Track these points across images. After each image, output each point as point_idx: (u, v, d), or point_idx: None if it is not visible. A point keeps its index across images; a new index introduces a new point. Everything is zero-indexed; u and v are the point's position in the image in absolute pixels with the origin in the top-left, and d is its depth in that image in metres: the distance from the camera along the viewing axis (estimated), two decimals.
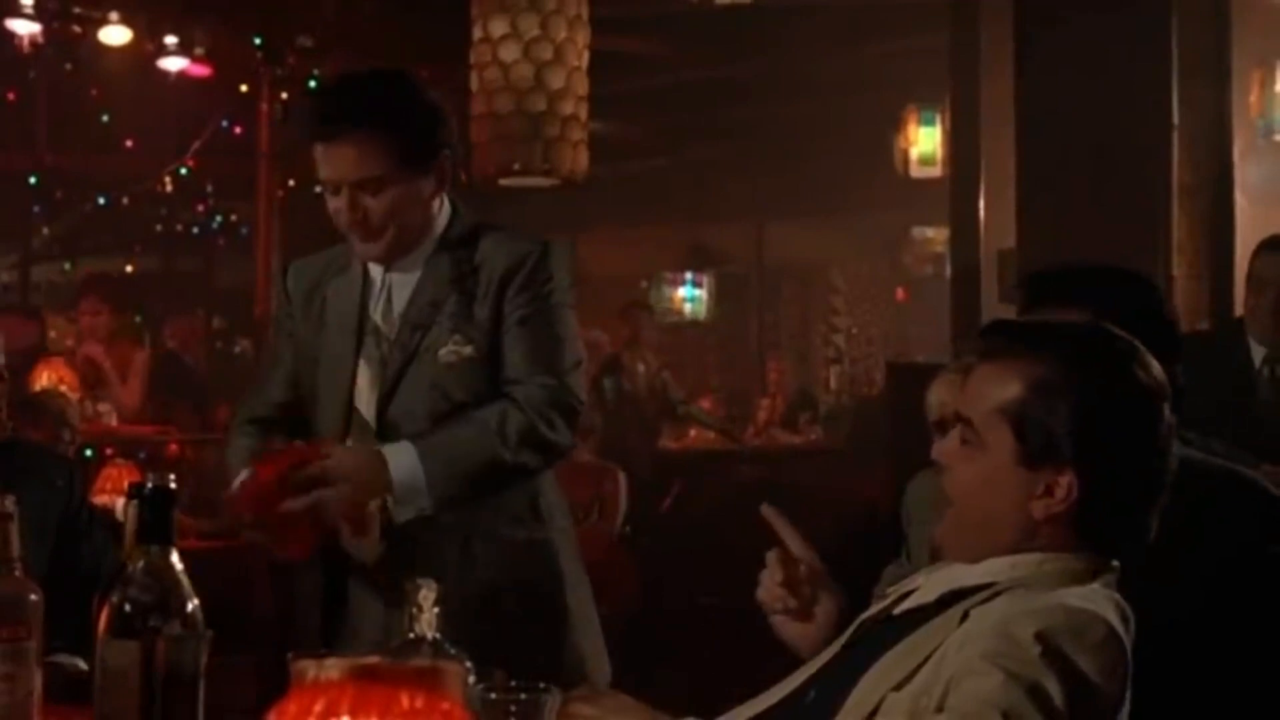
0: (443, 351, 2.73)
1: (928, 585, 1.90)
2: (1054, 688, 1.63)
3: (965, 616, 1.78)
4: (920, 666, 1.75)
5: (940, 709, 1.68)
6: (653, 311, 10.43)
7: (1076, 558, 1.82)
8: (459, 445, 2.68)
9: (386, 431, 2.74)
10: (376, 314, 2.81)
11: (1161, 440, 1.83)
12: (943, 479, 1.91)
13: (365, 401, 2.78)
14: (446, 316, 2.75)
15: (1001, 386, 1.84)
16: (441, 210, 2.81)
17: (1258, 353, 4.73)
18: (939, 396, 3.32)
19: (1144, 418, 1.82)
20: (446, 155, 2.76)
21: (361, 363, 2.80)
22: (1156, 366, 1.85)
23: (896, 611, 1.90)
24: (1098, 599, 1.77)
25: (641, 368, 9.40)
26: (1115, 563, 1.84)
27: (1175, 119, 5.58)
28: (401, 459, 2.64)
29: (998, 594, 1.79)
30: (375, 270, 2.83)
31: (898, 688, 1.76)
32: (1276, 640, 2.22)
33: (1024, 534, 1.83)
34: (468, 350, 2.74)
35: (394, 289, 2.81)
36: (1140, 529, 1.85)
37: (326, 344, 2.84)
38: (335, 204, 2.73)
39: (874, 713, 1.76)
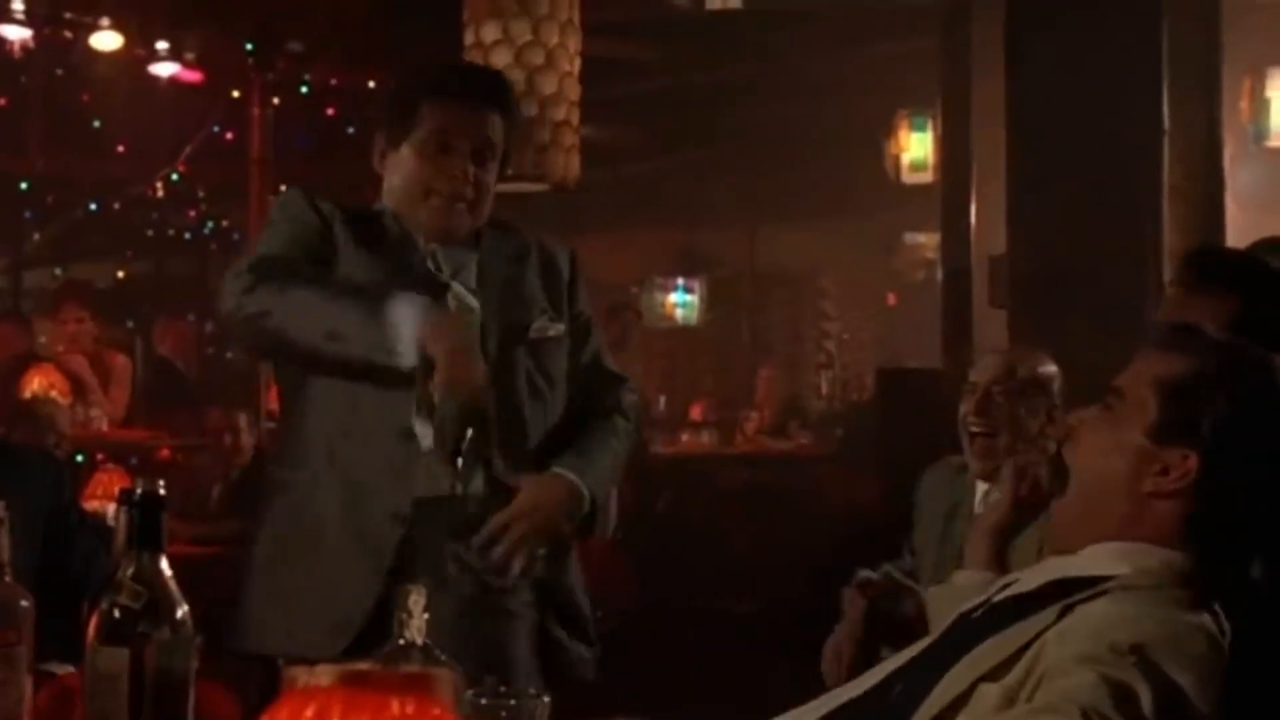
0: (534, 327, 2.82)
1: (1029, 576, 1.90)
2: (1145, 695, 1.61)
3: (1065, 611, 1.76)
4: (1016, 658, 1.74)
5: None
6: (640, 315, 10.42)
7: (1180, 557, 1.81)
8: (618, 465, 2.88)
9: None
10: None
11: None
12: (1066, 452, 1.92)
13: None
14: (524, 296, 2.84)
15: (1165, 365, 1.86)
16: None
17: None
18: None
19: None
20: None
21: None
22: None
23: (996, 599, 1.90)
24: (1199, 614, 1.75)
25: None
26: (1217, 607, 1.80)
27: (1166, 124, 5.59)
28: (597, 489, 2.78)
29: (1101, 594, 1.78)
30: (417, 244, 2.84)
31: (991, 678, 1.74)
32: None
33: (1131, 513, 1.83)
34: (558, 328, 2.84)
35: (441, 263, 2.83)
36: (1247, 549, 1.84)
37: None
38: (446, 164, 2.78)
39: (961, 698, 1.75)
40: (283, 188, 9.48)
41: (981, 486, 3.52)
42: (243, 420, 6.81)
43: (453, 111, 2.81)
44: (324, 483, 2.75)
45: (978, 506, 3.50)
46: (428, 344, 2.53)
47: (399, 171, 2.83)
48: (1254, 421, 1.82)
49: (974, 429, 3.49)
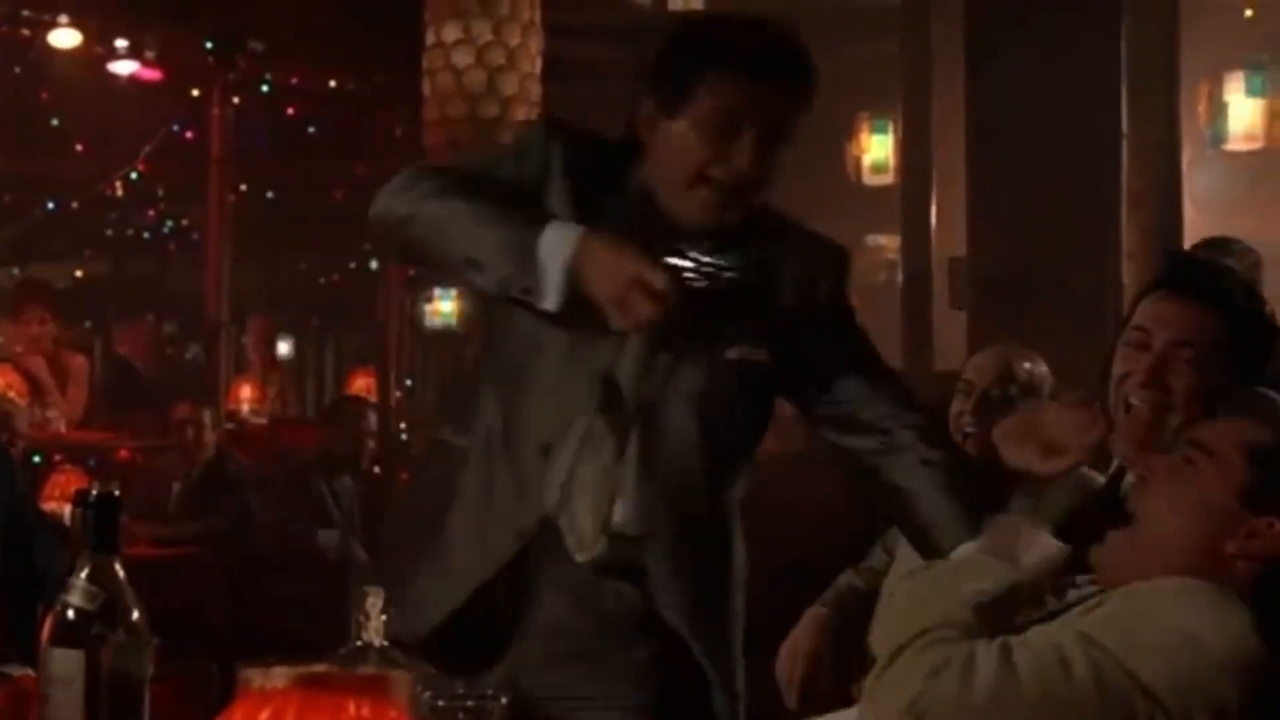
0: (731, 351, 2.36)
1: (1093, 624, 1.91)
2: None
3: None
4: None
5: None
6: None
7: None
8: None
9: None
10: None
11: None
12: (1137, 494, 1.95)
13: (630, 377, 2.33)
14: (726, 308, 2.32)
15: (1252, 430, 1.91)
16: None
17: None
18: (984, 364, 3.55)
19: None
20: None
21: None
22: None
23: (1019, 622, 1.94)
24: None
25: None
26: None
27: (1125, 127, 5.63)
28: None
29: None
30: None
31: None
32: None
33: (1204, 566, 1.86)
34: (759, 354, 2.39)
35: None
36: None
37: None
38: (729, 149, 2.32)
39: None
40: (243, 187, 9.48)
41: None
42: (206, 417, 6.79)
43: (742, 88, 2.34)
44: (474, 465, 2.37)
45: None
46: (586, 285, 2.14)
47: (670, 148, 2.37)
48: None
49: (969, 429, 3.51)
